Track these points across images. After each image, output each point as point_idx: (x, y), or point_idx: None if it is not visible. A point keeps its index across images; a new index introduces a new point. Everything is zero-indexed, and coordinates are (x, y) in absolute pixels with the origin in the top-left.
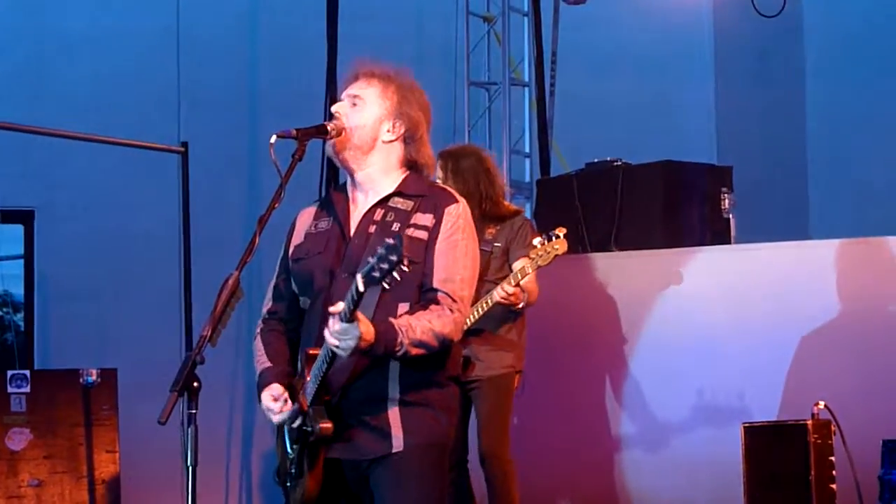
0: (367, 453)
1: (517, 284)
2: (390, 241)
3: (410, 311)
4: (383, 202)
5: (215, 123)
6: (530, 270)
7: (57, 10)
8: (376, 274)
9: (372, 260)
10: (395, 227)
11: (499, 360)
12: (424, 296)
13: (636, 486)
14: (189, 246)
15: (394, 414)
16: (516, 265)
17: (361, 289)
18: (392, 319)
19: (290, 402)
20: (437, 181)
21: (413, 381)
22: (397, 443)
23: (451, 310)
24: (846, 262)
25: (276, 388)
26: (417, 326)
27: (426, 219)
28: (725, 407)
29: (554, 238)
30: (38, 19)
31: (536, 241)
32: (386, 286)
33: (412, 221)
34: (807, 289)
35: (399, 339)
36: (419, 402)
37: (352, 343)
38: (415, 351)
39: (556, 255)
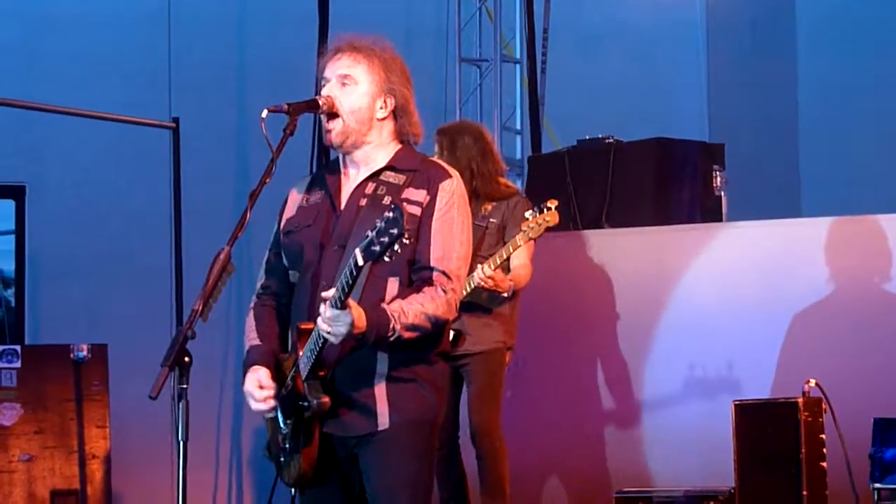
0: (354, 430)
1: (497, 268)
2: (390, 213)
3: (401, 289)
4: (375, 176)
5: (205, 99)
6: (521, 243)
7: None
8: (376, 248)
9: (371, 233)
10: (387, 200)
11: (490, 334)
12: (418, 274)
13: (627, 462)
14: (180, 221)
15: (380, 390)
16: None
17: (361, 263)
18: (384, 305)
19: (272, 390)
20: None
21: (402, 356)
22: (383, 420)
23: (444, 290)
24: (838, 240)
25: (264, 376)
26: (410, 311)
27: (419, 194)
28: (716, 384)
29: (545, 210)
30: None
31: (528, 213)
32: (386, 259)
33: (404, 196)
34: (798, 267)
35: (391, 325)
36: (407, 377)
37: (343, 330)
38: (407, 335)
39: (548, 227)
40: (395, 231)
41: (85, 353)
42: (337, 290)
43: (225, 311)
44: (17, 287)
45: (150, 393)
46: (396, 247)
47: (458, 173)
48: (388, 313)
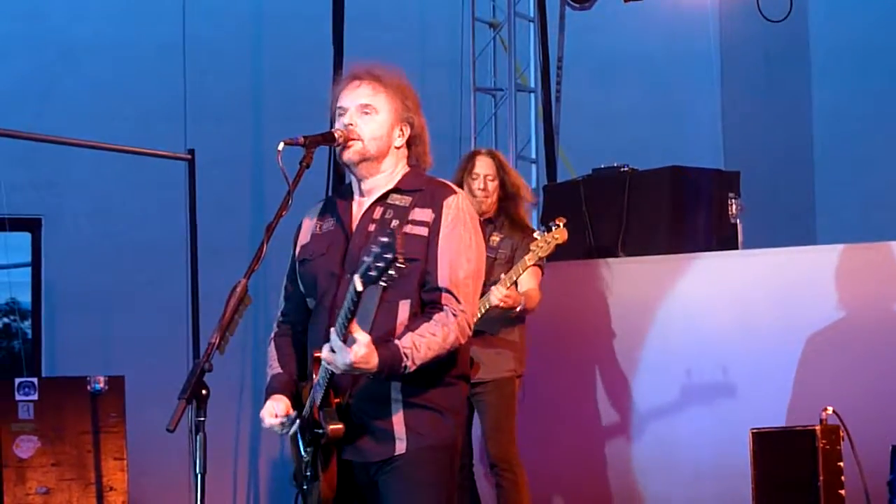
0: (372, 456)
1: (511, 285)
2: (383, 238)
3: (413, 312)
4: (382, 199)
5: (221, 131)
6: (530, 262)
7: (63, 20)
8: (373, 273)
9: (367, 259)
10: (394, 224)
11: (502, 362)
12: (428, 295)
13: (644, 491)
14: (196, 253)
15: (398, 416)
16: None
17: (360, 288)
18: (397, 342)
19: (285, 424)
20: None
21: (417, 382)
22: (401, 445)
23: (454, 313)
24: (853, 267)
25: (280, 407)
26: (422, 344)
27: (425, 214)
28: (733, 412)
29: (553, 228)
30: (45, 28)
31: (536, 234)
32: (384, 284)
33: (411, 217)
34: (814, 294)
35: (403, 364)
36: (423, 403)
37: (342, 362)
38: (421, 365)
39: (558, 244)
40: (388, 255)
41: (102, 384)
42: (340, 317)
43: (241, 343)
44: (33, 319)
45: (168, 425)
46: (392, 271)
47: (462, 191)
48: (401, 351)
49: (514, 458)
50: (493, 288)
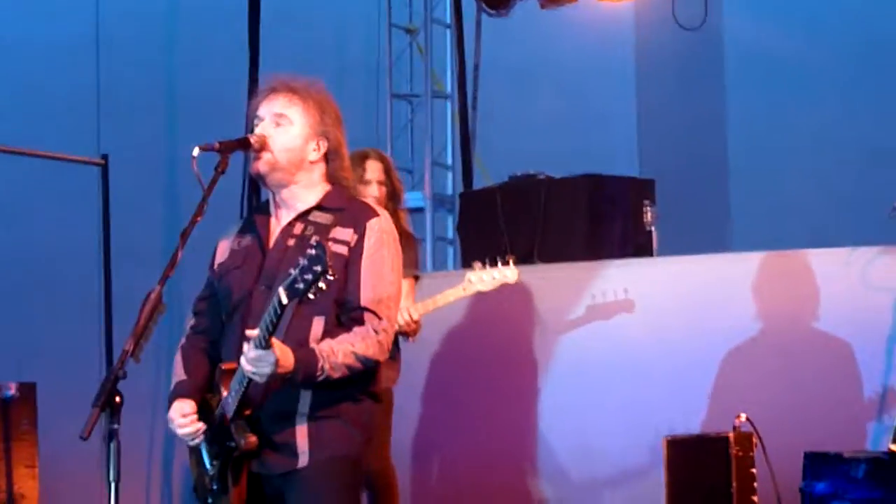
0: (276, 468)
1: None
2: (312, 251)
3: (328, 328)
4: (303, 216)
5: (134, 134)
6: (466, 293)
7: None
8: (300, 286)
9: (294, 271)
10: (314, 240)
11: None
12: (348, 314)
13: (554, 497)
14: (109, 258)
15: (301, 429)
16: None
17: (284, 301)
18: (314, 345)
19: (196, 421)
20: None
21: (325, 396)
22: (303, 458)
23: (375, 330)
24: (767, 275)
25: (187, 406)
26: (339, 351)
27: (346, 233)
28: (647, 420)
29: (501, 265)
30: None
31: (477, 265)
32: (311, 297)
33: (331, 236)
34: (728, 301)
35: (320, 365)
36: (330, 415)
37: (266, 370)
38: (337, 374)
39: (505, 283)
40: (318, 268)
41: (13, 391)
42: (261, 329)
43: (155, 350)
44: None
45: (81, 433)
46: (321, 284)
47: (385, 212)
48: (317, 353)
49: (387, 467)
50: (405, 309)
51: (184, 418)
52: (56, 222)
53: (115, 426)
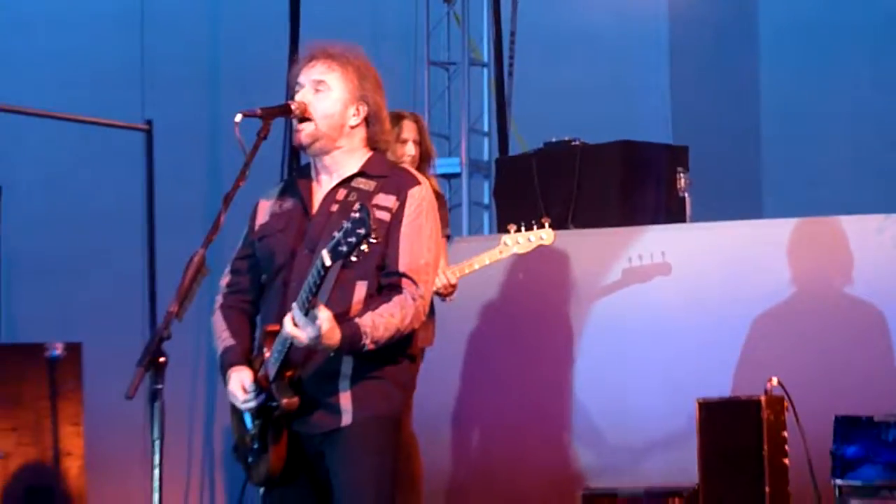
0: (319, 427)
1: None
2: (357, 214)
3: (369, 293)
4: (346, 182)
5: (178, 101)
6: (502, 255)
7: None
8: (343, 248)
9: (338, 234)
10: (358, 205)
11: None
12: (387, 279)
13: (591, 461)
14: (153, 222)
15: (345, 389)
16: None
17: (328, 263)
18: (357, 320)
19: (254, 393)
20: None
21: (368, 357)
22: (346, 417)
23: (413, 297)
24: (799, 241)
25: (247, 378)
26: (381, 324)
27: (388, 200)
28: (680, 383)
29: (536, 227)
30: None
31: (512, 227)
32: (353, 259)
33: (374, 202)
34: (760, 267)
35: (363, 343)
36: (372, 376)
37: (305, 335)
38: (379, 345)
39: (542, 245)
40: (361, 231)
41: (59, 351)
42: (303, 291)
43: (197, 311)
44: None
45: (126, 393)
46: (364, 246)
47: (426, 181)
48: (361, 329)
49: (410, 436)
50: (441, 273)
51: (246, 394)
52: (102, 187)
53: (159, 386)
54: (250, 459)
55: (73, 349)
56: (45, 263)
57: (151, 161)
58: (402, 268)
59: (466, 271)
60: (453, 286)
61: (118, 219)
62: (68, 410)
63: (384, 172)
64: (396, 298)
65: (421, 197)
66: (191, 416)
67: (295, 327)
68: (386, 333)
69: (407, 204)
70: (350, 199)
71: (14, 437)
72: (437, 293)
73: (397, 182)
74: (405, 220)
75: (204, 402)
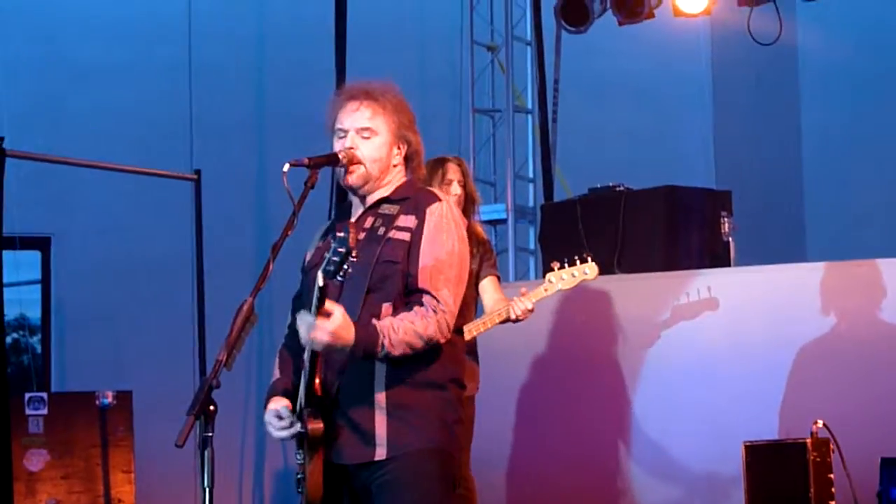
0: (351, 458)
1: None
2: (340, 234)
3: (394, 313)
4: (373, 209)
5: (226, 151)
6: (549, 292)
7: (72, 42)
8: (330, 268)
9: (328, 255)
10: (381, 231)
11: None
12: (409, 297)
13: (639, 502)
14: (202, 271)
15: (380, 419)
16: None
17: (320, 283)
18: (375, 321)
19: (290, 419)
20: None
21: (400, 382)
22: (381, 451)
23: (434, 311)
24: (841, 283)
25: (283, 408)
26: (400, 327)
27: (409, 220)
28: (726, 426)
29: (580, 262)
30: (54, 50)
31: (555, 265)
32: (340, 278)
33: (396, 224)
34: (804, 309)
35: (380, 341)
36: (406, 405)
37: (323, 338)
38: (398, 351)
39: (585, 280)
40: (342, 250)
41: (110, 399)
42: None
43: (247, 359)
44: (43, 335)
45: (176, 441)
46: (346, 266)
47: (449, 199)
48: (378, 329)
49: (468, 480)
50: (516, 299)
51: (279, 421)
52: (152, 236)
53: (209, 434)
54: (299, 489)
55: (124, 397)
56: (95, 312)
57: (200, 210)
58: (421, 283)
59: (534, 300)
60: (531, 311)
61: (168, 267)
62: (119, 458)
63: (407, 195)
64: (417, 308)
65: (440, 213)
66: (241, 462)
67: (309, 329)
68: (405, 337)
69: (426, 221)
70: (375, 225)
71: (65, 486)
72: (509, 320)
73: (416, 202)
74: (424, 237)
75: (254, 450)
